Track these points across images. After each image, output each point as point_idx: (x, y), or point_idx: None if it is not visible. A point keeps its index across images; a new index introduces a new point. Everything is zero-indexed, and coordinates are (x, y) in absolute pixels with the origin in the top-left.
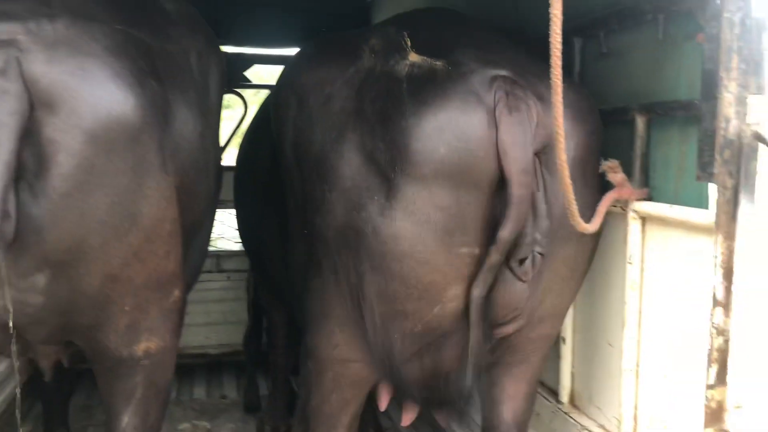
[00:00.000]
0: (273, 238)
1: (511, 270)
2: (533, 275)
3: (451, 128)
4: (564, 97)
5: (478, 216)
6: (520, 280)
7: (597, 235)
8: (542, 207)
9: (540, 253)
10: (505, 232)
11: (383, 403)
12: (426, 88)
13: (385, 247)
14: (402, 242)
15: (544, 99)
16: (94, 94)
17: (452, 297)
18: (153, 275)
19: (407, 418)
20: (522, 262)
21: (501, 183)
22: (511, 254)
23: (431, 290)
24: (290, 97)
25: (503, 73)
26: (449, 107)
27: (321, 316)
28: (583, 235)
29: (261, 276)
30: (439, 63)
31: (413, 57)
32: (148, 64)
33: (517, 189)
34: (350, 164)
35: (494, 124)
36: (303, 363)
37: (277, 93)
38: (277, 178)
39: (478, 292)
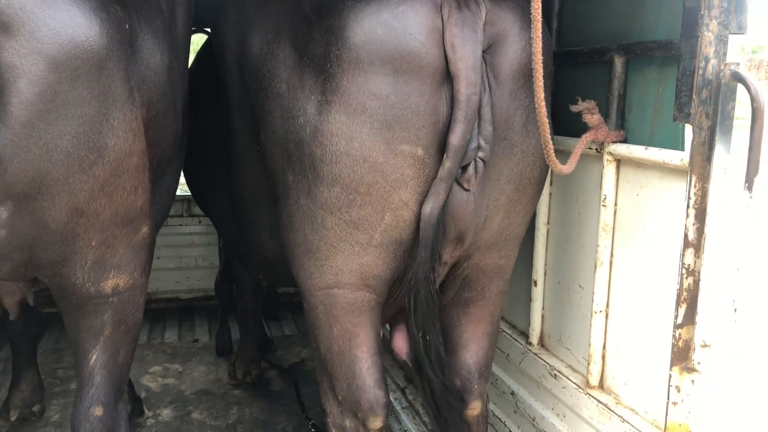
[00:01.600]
0: (223, 177)
1: (455, 178)
2: (477, 184)
3: (390, 10)
4: (512, 2)
5: (419, 110)
6: (463, 188)
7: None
8: (487, 111)
9: (482, 159)
10: (456, 136)
11: (398, 346)
12: None
13: (323, 148)
14: (338, 139)
15: None
16: (55, 17)
17: (400, 204)
18: (120, 210)
19: (399, 344)
20: (465, 169)
21: (445, 81)
22: None
23: (374, 194)
24: (227, 2)
25: None
26: None
27: (293, 246)
28: (525, 152)
29: (213, 220)
30: None
31: None
32: None
33: (465, 87)
34: (285, 64)
35: (439, 15)
36: (304, 304)
37: (215, 2)
38: (223, 112)
39: (429, 207)
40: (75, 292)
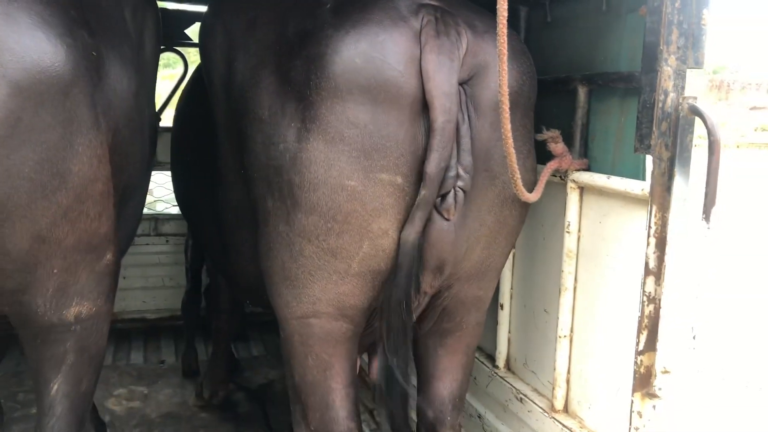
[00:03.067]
0: (210, 198)
1: (435, 207)
2: (457, 214)
3: (369, 39)
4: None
5: (398, 139)
6: (444, 218)
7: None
8: (466, 141)
9: (462, 189)
10: (431, 165)
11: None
12: (349, 5)
13: (302, 176)
14: (316, 167)
15: (475, 28)
16: (21, 42)
17: (379, 233)
18: (84, 237)
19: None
20: (444, 198)
21: (423, 109)
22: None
23: (352, 222)
24: (216, 25)
25: (432, 2)
26: (369, 20)
27: (271, 273)
28: (506, 183)
29: (200, 240)
30: None
31: None
32: (79, 15)
33: (440, 114)
34: (268, 90)
35: (419, 44)
36: (280, 332)
37: (204, 23)
38: (212, 134)
39: (406, 234)
40: (36, 320)
